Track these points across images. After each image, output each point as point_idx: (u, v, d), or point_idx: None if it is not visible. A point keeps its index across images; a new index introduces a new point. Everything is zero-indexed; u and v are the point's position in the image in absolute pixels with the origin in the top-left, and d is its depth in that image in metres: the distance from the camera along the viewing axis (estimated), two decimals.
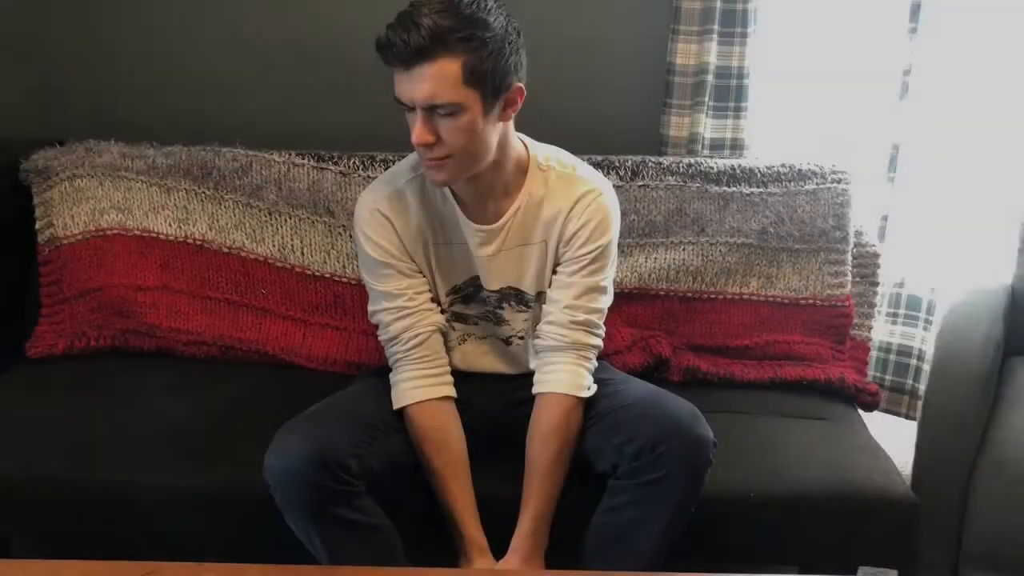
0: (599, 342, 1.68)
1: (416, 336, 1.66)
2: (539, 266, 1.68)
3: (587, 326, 1.65)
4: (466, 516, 1.60)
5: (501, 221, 1.65)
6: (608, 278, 1.68)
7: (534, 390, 1.66)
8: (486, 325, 1.75)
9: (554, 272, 1.68)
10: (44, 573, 1.32)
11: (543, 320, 1.67)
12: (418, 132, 1.48)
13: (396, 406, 1.65)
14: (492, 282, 1.70)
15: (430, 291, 1.70)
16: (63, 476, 1.70)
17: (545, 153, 1.67)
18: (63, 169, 2.13)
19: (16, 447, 1.74)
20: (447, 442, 1.64)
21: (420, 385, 1.65)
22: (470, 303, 1.73)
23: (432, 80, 1.44)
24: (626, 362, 2.02)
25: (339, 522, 1.50)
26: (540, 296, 1.71)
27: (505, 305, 1.72)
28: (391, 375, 1.69)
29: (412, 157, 1.68)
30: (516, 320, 1.74)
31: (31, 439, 1.76)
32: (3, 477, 1.70)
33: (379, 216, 1.65)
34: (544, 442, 1.61)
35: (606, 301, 1.68)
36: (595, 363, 1.68)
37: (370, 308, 1.71)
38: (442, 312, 1.72)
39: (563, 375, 1.64)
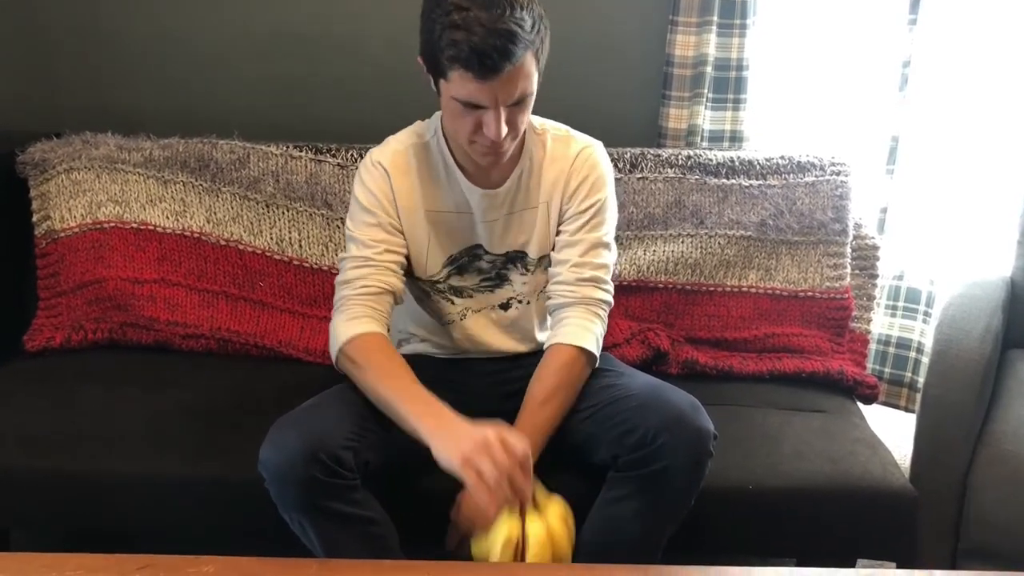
0: (608, 297, 1.70)
1: (367, 287, 1.62)
2: (543, 228, 1.71)
3: (595, 281, 1.68)
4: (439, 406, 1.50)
5: (506, 185, 1.68)
6: (609, 233, 1.71)
7: (544, 347, 1.68)
8: (481, 296, 1.76)
9: (557, 233, 1.70)
10: (41, 565, 1.31)
11: (551, 281, 1.70)
12: (499, 130, 1.49)
13: (334, 349, 1.60)
14: (497, 246, 1.72)
15: (403, 257, 1.67)
16: (60, 469, 1.69)
17: (538, 119, 1.71)
18: (60, 162, 2.12)
19: (13, 440, 1.73)
20: (396, 369, 1.56)
21: (365, 318, 1.59)
22: (465, 273, 1.74)
23: (522, 79, 1.47)
24: (625, 355, 2.02)
25: (333, 515, 1.49)
26: (542, 260, 1.73)
27: (510, 266, 1.74)
28: (330, 324, 1.63)
29: (419, 125, 1.71)
30: (517, 282, 1.75)
31: (28, 432, 1.76)
32: (1, 470, 1.69)
33: (380, 168, 1.66)
34: (542, 380, 1.63)
35: (610, 257, 1.71)
36: (606, 320, 1.70)
37: (340, 255, 1.70)
38: (438, 284, 1.73)
39: (571, 327, 1.66)
